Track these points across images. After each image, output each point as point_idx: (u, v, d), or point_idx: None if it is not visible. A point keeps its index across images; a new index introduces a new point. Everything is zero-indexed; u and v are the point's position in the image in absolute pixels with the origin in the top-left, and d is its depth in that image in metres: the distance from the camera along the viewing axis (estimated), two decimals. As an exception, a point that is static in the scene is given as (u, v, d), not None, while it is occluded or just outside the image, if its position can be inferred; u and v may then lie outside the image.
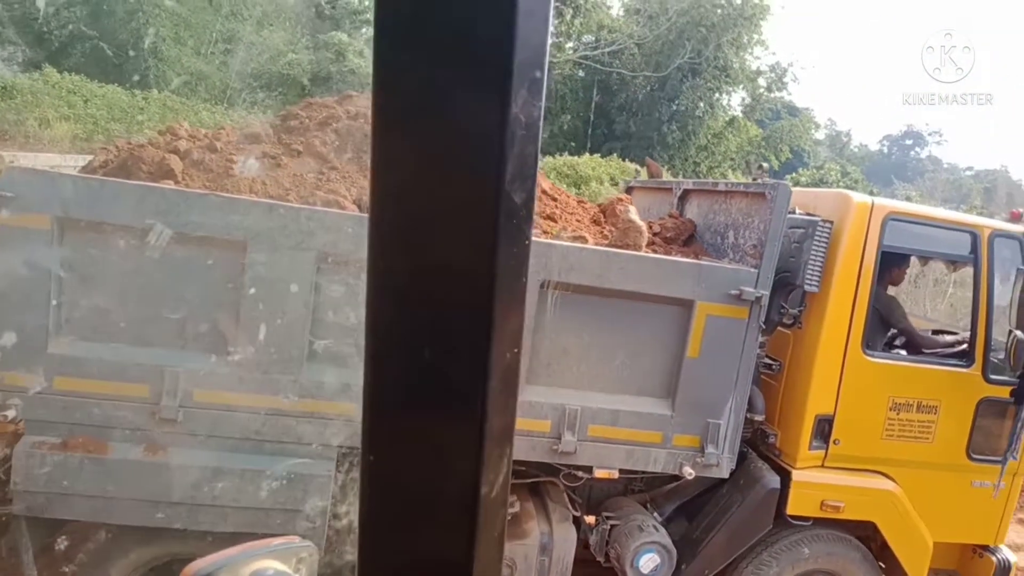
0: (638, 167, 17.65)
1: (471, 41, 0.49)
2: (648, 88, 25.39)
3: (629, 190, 5.39)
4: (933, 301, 10.11)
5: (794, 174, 28.36)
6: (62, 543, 2.95)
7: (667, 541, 3.57)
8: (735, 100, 27.59)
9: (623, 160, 19.69)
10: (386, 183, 0.52)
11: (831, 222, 3.52)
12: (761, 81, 27.36)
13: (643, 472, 3.61)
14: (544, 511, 3.58)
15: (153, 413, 2.88)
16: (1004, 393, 3.81)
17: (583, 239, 3.54)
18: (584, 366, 3.37)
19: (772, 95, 28.14)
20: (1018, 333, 3.61)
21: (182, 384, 2.88)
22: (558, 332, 3.27)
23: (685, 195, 4.50)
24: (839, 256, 3.54)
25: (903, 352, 4.03)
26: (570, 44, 26.30)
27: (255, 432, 2.98)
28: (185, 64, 19.76)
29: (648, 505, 3.88)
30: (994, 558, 4.04)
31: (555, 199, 4.15)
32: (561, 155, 19.09)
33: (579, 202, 4.34)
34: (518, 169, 0.50)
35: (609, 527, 3.67)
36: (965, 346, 3.93)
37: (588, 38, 25.89)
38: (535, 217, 3.78)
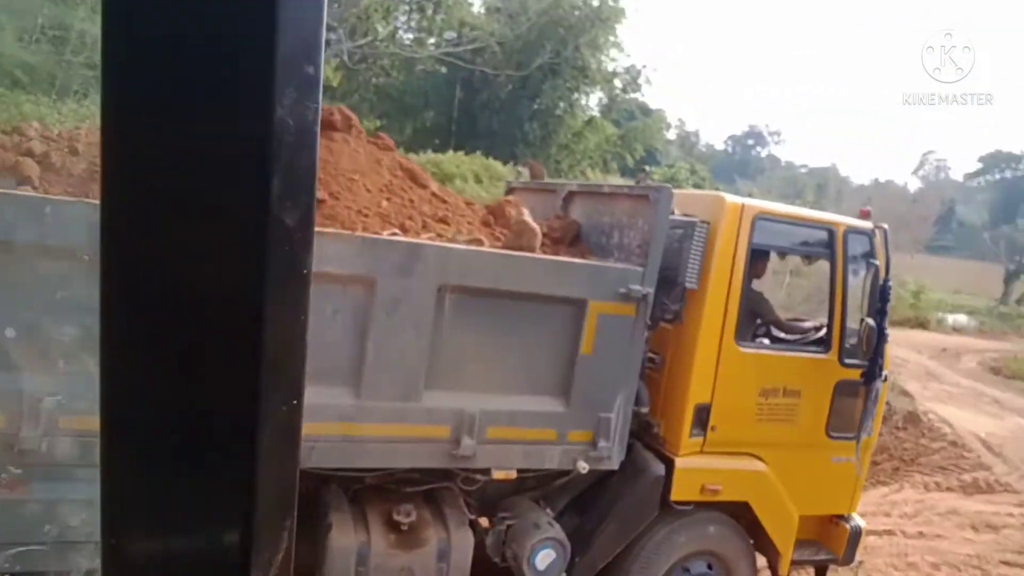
0: (520, 168, 17.84)
1: (219, 28, 0.40)
2: (510, 86, 25.83)
3: (510, 191, 5.44)
4: (772, 290, 11.01)
5: (646, 172, 29.96)
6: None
7: (562, 536, 3.64)
8: (593, 100, 28.57)
9: (487, 157, 19.92)
10: (117, 209, 0.41)
11: (708, 223, 3.72)
12: (617, 82, 28.70)
13: (537, 470, 3.68)
14: (440, 517, 3.55)
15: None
16: (857, 375, 4.17)
17: (479, 242, 3.56)
18: (481, 369, 3.40)
19: (627, 96, 29.43)
20: (869, 321, 3.99)
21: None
22: (455, 336, 3.27)
23: (570, 196, 4.60)
24: (715, 254, 3.74)
25: (766, 342, 4.36)
26: (432, 40, 26.16)
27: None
28: (7, 54, 17.68)
29: (541, 502, 3.93)
30: (848, 525, 4.43)
31: (445, 201, 4.11)
32: (425, 152, 19.00)
33: (467, 203, 4.35)
34: (289, 184, 0.41)
35: (505, 527, 3.69)
36: (823, 334, 4.26)
37: (450, 35, 25.89)
38: (426, 220, 3.75)
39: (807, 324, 4.61)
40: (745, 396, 3.96)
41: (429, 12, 24.39)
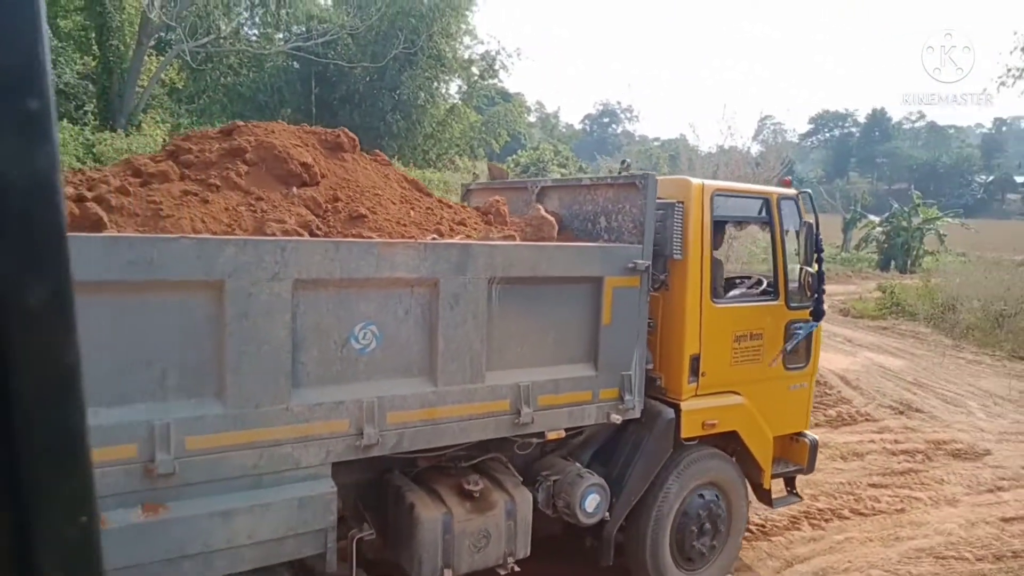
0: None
1: None
2: (368, 78, 25.42)
3: (467, 193, 5.87)
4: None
5: (515, 155, 30.44)
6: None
7: (601, 481, 4.29)
8: (453, 88, 28.67)
9: (352, 152, 19.33)
10: None
11: (683, 202, 4.43)
12: (474, 69, 28.88)
13: (571, 428, 4.29)
14: (497, 483, 4.06)
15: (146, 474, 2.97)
16: (804, 316, 5.03)
17: (512, 237, 4.08)
18: (527, 346, 3.94)
19: (486, 82, 29.70)
20: (809, 268, 4.89)
21: (181, 433, 3.01)
22: (504, 321, 3.79)
23: (543, 191, 5.20)
24: (690, 228, 4.44)
25: (734, 294, 5.11)
26: (280, 35, 25.08)
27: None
28: None
29: (568, 458, 4.53)
30: (807, 440, 5.36)
31: (451, 206, 4.53)
32: (286, 152, 18.14)
33: (463, 207, 4.75)
34: (25, 255, 0.31)
35: (552, 483, 4.26)
36: (767, 285, 5.10)
37: (299, 29, 24.94)
38: (451, 225, 4.09)
39: (750, 279, 5.49)
40: (723, 343, 4.71)
41: (273, 7, 23.27)
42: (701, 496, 4.81)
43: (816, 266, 4.91)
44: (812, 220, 4.96)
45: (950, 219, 30.92)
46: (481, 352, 3.71)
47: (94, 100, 18.77)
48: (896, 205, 30.85)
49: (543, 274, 3.87)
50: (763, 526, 5.80)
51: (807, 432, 5.39)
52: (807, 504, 5.96)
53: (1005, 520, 5.87)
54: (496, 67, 29.67)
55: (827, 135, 73.67)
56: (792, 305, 4.96)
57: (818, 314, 5.02)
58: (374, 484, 3.94)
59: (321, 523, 3.22)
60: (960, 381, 11.14)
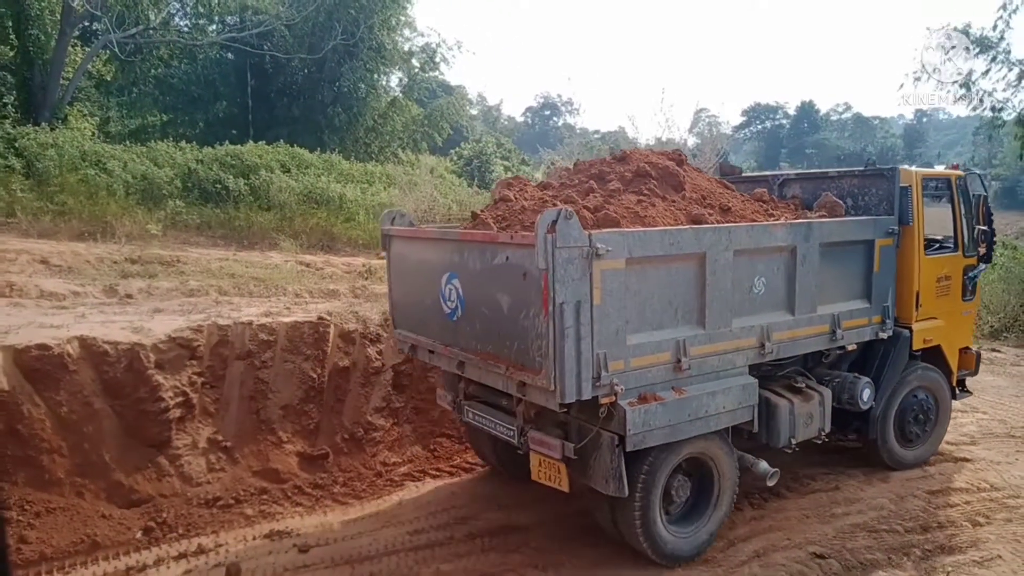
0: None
1: None
2: (306, 71, 24.97)
3: (738, 180, 7.14)
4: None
5: (457, 148, 30.27)
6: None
7: (870, 379, 6.20)
8: (393, 81, 28.34)
9: (291, 146, 18.90)
10: None
11: (910, 185, 6.27)
12: (415, 62, 28.69)
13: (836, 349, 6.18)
14: (796, 392, 5.75)
15: (676, 369, 4.86)
16: (974, 262, 7.07)
17: (824, 216, 6.13)
18: (835, 288, 5.85)
19: (427, 75, 29.50)
20: (979, 227, 7.01)
21: (689, 346, 4.88)
22: (824, 271, 5.66)
23: (785, 182, 7.01)
24: (915, 203, 6.30)
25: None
26: (213, 26, 24.29)
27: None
28: None
29: (837, 369, 6.40)
30: (973, 352, 7.34)
31: (729, 188, 6.14)
32: (222, 145, 17.60)
33: (744, 196, 6.22)
34: None
35: (836, 383, 6.11)
36: (945, 241, 6.98)
37: (233, 19, 24.21)
38: (755, 210, 6.02)
39: (936, 238, 7.11)
40: (931, 283, 6.68)
41: (204, -5, 22.44)
42: (915, 396, 6.83)
43: (986, 225, 7.06)
44: (983, 193, 7.08)
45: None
46: (816, 293, 5.66)
47: (14, 92, 17.78)
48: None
49: (845, 239, 5.90)
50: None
51: (971, 347, 7.38)
52: (750, 483, 6.16)
53: (931, 493, 6.23)
54: (437, 59, 29.60)
55: (759, 127, 76.23)
56: (967, 254, 6.98)
57: (988, 258, 7.23)
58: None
59: (751, 401, 5.27)
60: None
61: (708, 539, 5.30)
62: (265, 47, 23.46)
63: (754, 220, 5.61)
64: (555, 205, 4.88)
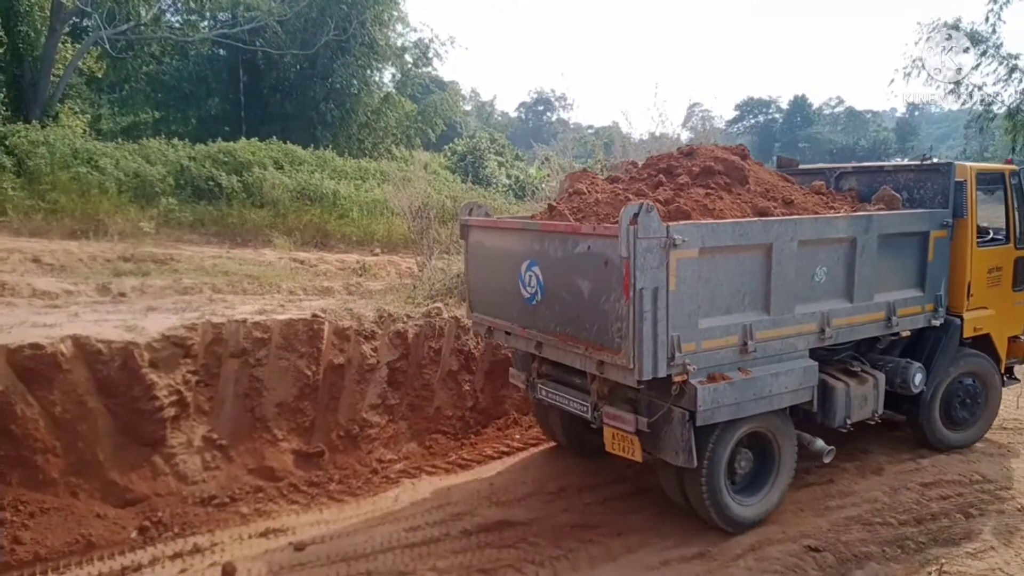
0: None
1: None
2: (299, 67, 24.86)
3: (795, 173, 7.37)
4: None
5: (451, 144, 30.20)
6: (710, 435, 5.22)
7: (923, 366, 6.53)
8: (387, 77, 28.24)
9: (284, 142, 18.84)
10: None
11: (965, 180, 6.55)
12: (408, 57, 28.57)
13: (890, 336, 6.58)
14: (852, 375, 6.13)
15: (742, 352, 5.21)
16: None
17: (881, 207, 6.44)
18: (891, 277, 6.16)
19: (420, 70, 29.35)
20: None
21: (755, 330, 5.23)
22: (880, 261, 5.97)
23: (842, 175, 7.29)
24: (969, 197, 6.60)
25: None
26: (205, 23, 24.15)
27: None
28: None
29: (889, 354, 6.75)
30: (1021, 339, 7.53)
31: (789, 181, 6.46)
32: (214, 141, 17.54)
33: (801, 188, 6.54)
34: None
35: (889, 368, 6.44)
36: (995, 234, 7.24)
37: (224, 15, 24.08)
38: (815, 202, 6.33)
39: (986, 230, 7.35)
40: (982, 274, 6.97)
41: (196, -8, 22.29)
42: (960, 382, 7.11)
43: None
44: None
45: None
46: (873, 282, 5.99)
47: (4, 89, 17.64)
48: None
49: (902, 231, 6.23)
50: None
51: (1021, 336, 7.61)
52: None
53: (924, 485, 6.28)
54: (430, 55, 29.58)
55: (752, 121, 76.22)
56: (1019, 246, 7.24)
57: None
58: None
59: (811, 382, 5.58)
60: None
61: (769, 507, 5.71)
62: (257, 43, 23.36)
63: (816, 212, 5.93)
64: (628, 198, 5.35)
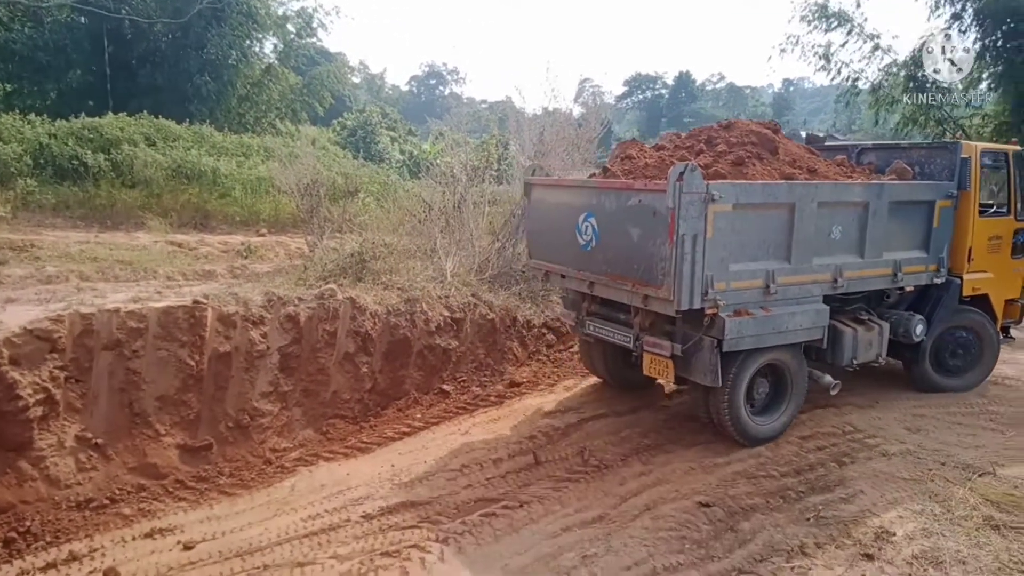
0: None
1: None
2: (170, 36, 23.45)
3: (818, 150, 7.91)
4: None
5: (340, 118, 29.34)
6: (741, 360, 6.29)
7: (922, 317, 7.52)
8: (268, 47, 26.89)
9: (156, 117, 17.69)
10: None
11: (970, 156, 7.47)
12: (290, 27, 27.33)
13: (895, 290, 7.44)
14: (860, 323, 7.09)
15: (765, 293, 6.17)
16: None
17: (894, 178, 7.36)
18: (898, 239, 7.05)
19: (304, 41, 28.22)
20: None
21: (777, 276, 6.17)
22: (890, 224, 6.85)
23: (862, 152, 8.32)
24: (973, 172, 7.52)
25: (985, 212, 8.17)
26: (60, -12, 22.08)
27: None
28: None
29: (895, 309, 7.70)
30: (1019, 303, 8.52)
31: (814, 154, 7.28)
32: (77, 117, 16.23)
33: (825, 161, 7.34)
34: None
35: (894, 319, 7.45)
36: (997, 207, 8.20)
37: (83, -21, 22.07)
38: (835, 170, 7.41)
39: (990, 204, 8.26)
40: (983, 241, 7.88)
41: (47, -48, 20.39)
42: (952, 333, 8.04)
43: None
44: None
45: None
46: (882, 241, 6.87)
47: None
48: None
49: (910, 199, 7.18)
50: (597, 466, 6.13)
51: (1018, 299, 8.57)
52: (637, 441, 6.40)
53: (803, 438, 6.68)
54: (314, 25, 28.26)
55: (640, 97, 78.16)
56: (1019, 218, 8.20)
57: None
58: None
59: (822, 323, 6.55)
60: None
61: (780, 428, 6.73)
62: (123, 11, 21.65)
63: (836, 180, 6.80)
64: (673, 162, 6.20)
